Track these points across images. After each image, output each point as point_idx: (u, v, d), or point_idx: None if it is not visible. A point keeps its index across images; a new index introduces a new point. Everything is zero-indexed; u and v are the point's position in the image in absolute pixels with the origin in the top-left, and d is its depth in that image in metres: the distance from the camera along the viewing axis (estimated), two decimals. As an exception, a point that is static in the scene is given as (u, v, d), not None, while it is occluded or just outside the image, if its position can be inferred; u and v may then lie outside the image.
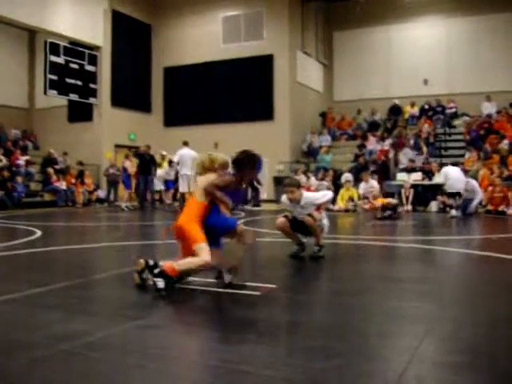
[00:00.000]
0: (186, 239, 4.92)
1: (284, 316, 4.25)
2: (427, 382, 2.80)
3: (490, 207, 15.34)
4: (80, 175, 21.13)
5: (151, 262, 4.95)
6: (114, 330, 3.67)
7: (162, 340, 3.47)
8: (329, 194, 7.23)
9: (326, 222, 7.09)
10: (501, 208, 15.17)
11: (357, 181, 18.22)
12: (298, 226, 6.92)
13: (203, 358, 3.17)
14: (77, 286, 5.24)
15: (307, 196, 7.04)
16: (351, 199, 17.23)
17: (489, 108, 22.16)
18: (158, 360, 3.06)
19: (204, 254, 4.72)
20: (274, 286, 5.06)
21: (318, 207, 6.95)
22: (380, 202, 14.85)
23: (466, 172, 16.16)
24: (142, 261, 4.99)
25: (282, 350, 3.26)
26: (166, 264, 4.75)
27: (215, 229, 5.01)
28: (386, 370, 2.94)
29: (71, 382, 2.79)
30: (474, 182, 15.40)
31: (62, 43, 21.60)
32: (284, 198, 7.11)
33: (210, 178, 5.06)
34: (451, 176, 15.07)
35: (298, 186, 7.04)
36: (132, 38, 24.53)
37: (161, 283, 4.63)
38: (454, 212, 14.37)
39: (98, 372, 2.92)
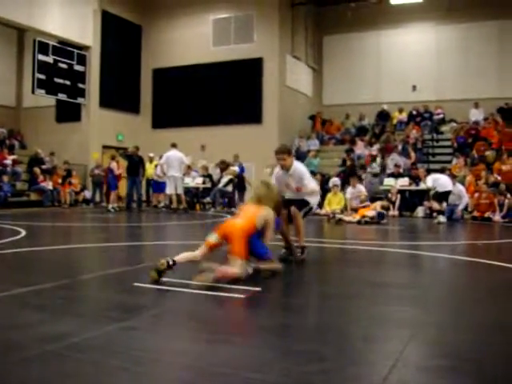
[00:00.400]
0: (231, 243, 5.59)
1: (268, 319, 4.23)
2: (412, 386, 2.81)
3: (476, 213, 15.43)
4: (67, 175, 21.00)
5: (171, 262, 5.37)
6: (99, 332, 3.64)
7: (146, 342, 3.45)
8: (315, 193, 7.24)
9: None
10: (487, 214, 15.28)
11: (344, 185, 18.23)
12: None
13: (187, 360, 3.15)
14: (62, 286, 5.20)
15: (298, 167, 7.05)
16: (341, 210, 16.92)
17: (476, 115, 22.30)
18: (142, 362, 3.04)
19: (239, 268, 5.38)
20: (259, 288, 5.05)
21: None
22: (360, 214, 14.81)
23: (453, 177, 16.21)
24: (163, 261, 5.35)
25: (267, 353, 3.24)
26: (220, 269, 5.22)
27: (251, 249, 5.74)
28: (370, 374, 2.94)
29: (54, 383, 2.76)
30: (461, 187, 15.51)
31: (51, 42, 21.46)
32: (276, 168, 7.19)
33: (271, 214, 5.99)
34: (441, 181, 15.16)
35: (289, 152, 7.08)
36: (122, 39, 24.44)
37: None
38: (441, 218, 14.38)
39: (81, 373, 2.89)
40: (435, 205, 14.60)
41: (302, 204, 6.97)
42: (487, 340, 3.65)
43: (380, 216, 14.42)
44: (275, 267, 6.00)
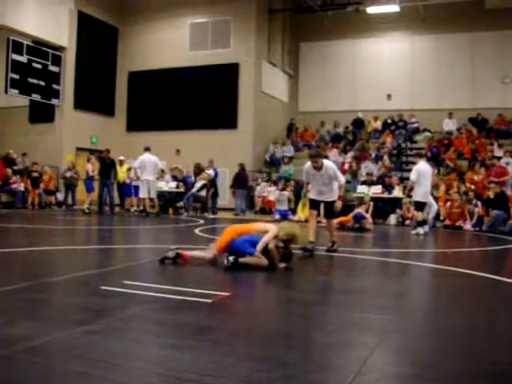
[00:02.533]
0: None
1: (234, 324, 4.19)
2: (374, 393, 2.79)
3: (447, 222, 15.56)
4: (36, 177, 20.56)
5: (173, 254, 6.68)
6: (60, 335, 3.57)
7: (108, 346, 3.39)
8: (342, 179, 8.87)
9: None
10: (458, 223, 15.41)
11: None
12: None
13: (149, 365, 3.09)
14: (25, 288, 5.09)
15: (329, 164, 8.56)
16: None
17: (450, 125, 22.56)
18: (102, 367, 2.98)
19: (206, 253, 6.93)
20: (227, 293, 5.00)
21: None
22: (338, 220, 14.84)
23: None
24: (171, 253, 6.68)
25: (230, 359, 3.19)
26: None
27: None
28: (334, 380, 2.91)
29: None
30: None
31: (26, 42, 21.21)
32: (307, 165, 8.66)
33: (274, 230, 6.71)
34: (424, 178, 13.38)
35: (321, 156, 8.58)
36: (98, 41, 24.27)
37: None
38: (421, 230, 13.28)
39: (36, 378, 2.82)
40: (419, 214, 13.87)
41: (330, 208, 9.02)
42: (451, 347, 3.66)
43: (359, 217, 14.57)
44: (260, 262, 6.49)
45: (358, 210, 15.30)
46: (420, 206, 13.63)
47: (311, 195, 8.96)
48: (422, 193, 13.43)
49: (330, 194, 8.88)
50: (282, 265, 6.60)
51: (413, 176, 13.43)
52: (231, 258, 6.30)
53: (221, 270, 6.29)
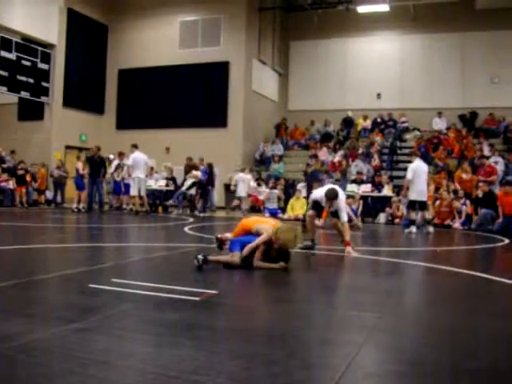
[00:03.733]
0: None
1: (222, 322, 4.19)
2: (361, 390, 2.79)
3: (436, 221, 15.61)
4: (23, 175, 20.41)
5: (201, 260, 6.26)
6: (48, 333, 3.55)
7: (95, 344, 3.36)
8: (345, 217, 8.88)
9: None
10: (447, 222, 15.49)
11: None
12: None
13: (136, 363, 3.08)
14: (13, 286, 5.06)
15: (340, 205, 8.75)
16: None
17: (439, 124, 22.66)
18: (90, 364, 2.96)
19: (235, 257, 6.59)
20: (215, 291, 5.00)
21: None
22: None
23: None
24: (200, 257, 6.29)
25: (217, 357, 3.18)
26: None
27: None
28: (321, 378, 2.91)
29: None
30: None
31: (15, 39, 21.10)
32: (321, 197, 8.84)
33: (270, 231, 6.54)
34: (418, 177, 13.42)
35: (336, 196, 8.65)
36: (87, 38, 24.19)
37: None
38: (413, 229, 13.45)
39: (23, 376, 2.80)
40: (412, 215, 13.83)
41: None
42: (438, 345, 3.67)
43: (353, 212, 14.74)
44: (231, 261, 6.46)
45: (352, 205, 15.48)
46: (414, 204, 13.65)
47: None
48: (415, 191, 13.45)
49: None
50: (277, 266, 6.40)
51: (409, 175, 13.44)
52: (200, 256, 6.24)
53: (210, 268, 6.27)
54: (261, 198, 19.05)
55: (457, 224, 15.37)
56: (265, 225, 6.73)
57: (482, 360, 3.34)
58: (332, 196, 8.71)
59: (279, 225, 6.73)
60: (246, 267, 6.39)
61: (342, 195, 8.92)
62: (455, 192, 16.22)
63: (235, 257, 6.42)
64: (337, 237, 9.52)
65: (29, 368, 2.91)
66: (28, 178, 20.48)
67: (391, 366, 3.17)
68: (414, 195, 13.50)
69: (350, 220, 14.86)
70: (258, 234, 6.61)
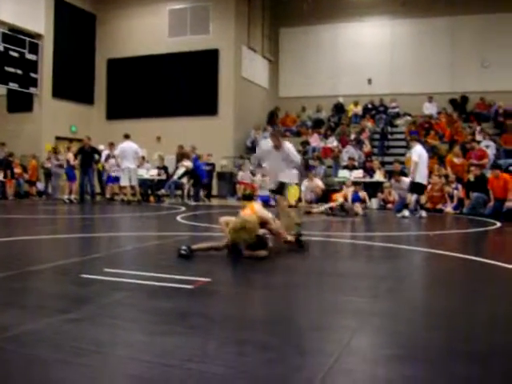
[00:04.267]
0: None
1: (216, 309, 4.18)
2: (355, 375, 2.79)
3: (428, 205, 15.64)
4: (8, 166, 20.20)
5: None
6: (41, 324, 3.53)
7: (89, 334, 3.35)
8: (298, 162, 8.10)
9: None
10: (439, 206, 15.53)
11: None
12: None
13: (130, 352, 3.07)
14: (5, 278, 5.03)
15: (289, 146, 7.90)
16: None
17: (430, 109, 22.66)
18: (84, 354, 2.94)
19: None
20: (208, 279, 4.98)
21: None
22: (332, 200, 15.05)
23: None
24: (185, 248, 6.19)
25: (211, 344, 3.18)
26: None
27: None
28: (315, 363, 2.90)
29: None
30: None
31: (2, 30, 20.89)
32: (266, 143, 8.19)
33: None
34: (423, 164, 13.84)
35: (281, 135, 8.31)
36: (75, 28, 23.97)
37: None
38: (406, 212, 13.70)
39: (16, 366, 2.78)
40: (412, 197, 13.94)
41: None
42: (432, 328, 3.68)
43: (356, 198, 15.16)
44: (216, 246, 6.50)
45: (355, 190, 15.86)
46: (419, 188, 13.90)
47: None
48: (421, 175, 13.75)
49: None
50: (262, 253, 6.38)
51: (415, 157, 13.67)
52: (184, 247, 6.19)
53: (203, 256, 6.26)
54: (255, 185, 19.04)
55: (449, 208, 15.41)
56: (256, 213, 6.61)
57: (477, 343, 3.35)
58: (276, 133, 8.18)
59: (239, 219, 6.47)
60: (237, 255, 6.38)
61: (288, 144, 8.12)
62: (447, 176, 16.25)
63: (221, 242, 6.48)
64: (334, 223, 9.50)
65: (22, 359, 2.89)
66: (18, 169, 20.35)
67: (386, 351, 3.17)
68: (418, 178, 13.74)
69: (358, 199, 15.17)
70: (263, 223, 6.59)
